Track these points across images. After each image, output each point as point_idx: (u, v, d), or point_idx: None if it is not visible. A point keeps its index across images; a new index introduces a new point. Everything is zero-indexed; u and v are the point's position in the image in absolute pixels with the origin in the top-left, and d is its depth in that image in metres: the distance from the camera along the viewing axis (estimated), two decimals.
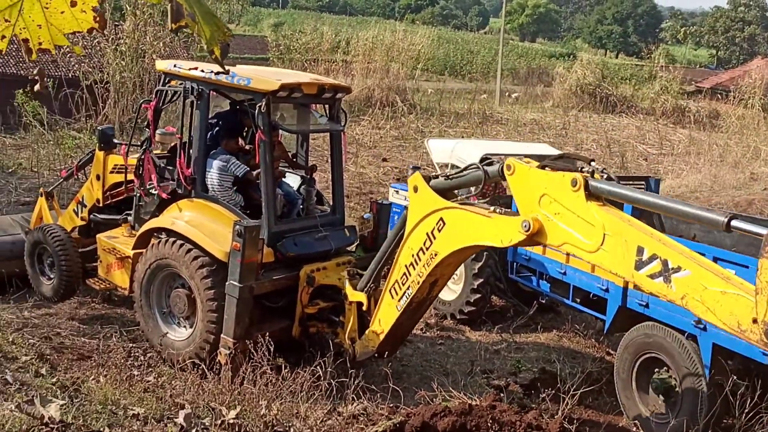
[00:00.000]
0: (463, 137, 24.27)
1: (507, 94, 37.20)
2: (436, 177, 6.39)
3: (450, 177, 6.19)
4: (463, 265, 9.15)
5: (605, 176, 5.02)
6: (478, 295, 9.26)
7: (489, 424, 5.74)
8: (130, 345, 7.55)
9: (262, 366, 6.32)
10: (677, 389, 6.33)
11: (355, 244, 8.24)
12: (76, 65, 19.64)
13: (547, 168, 5.10)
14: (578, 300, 7.65)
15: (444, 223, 5.98)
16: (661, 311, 6.45)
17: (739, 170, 18.87)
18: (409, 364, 8.29)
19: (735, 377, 5.86)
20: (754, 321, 3.88)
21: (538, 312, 9.42)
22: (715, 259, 5.93)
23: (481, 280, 9.22)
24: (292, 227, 7.40)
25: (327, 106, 7.73)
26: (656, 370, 6.60)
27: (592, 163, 5.06)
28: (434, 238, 6.07)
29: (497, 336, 9.16)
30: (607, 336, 8.30)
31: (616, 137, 26.73)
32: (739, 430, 5.80)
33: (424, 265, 6.20)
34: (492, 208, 5.71)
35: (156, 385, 6.48)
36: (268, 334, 6.82)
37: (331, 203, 8.08)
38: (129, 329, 8.00)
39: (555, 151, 10.56)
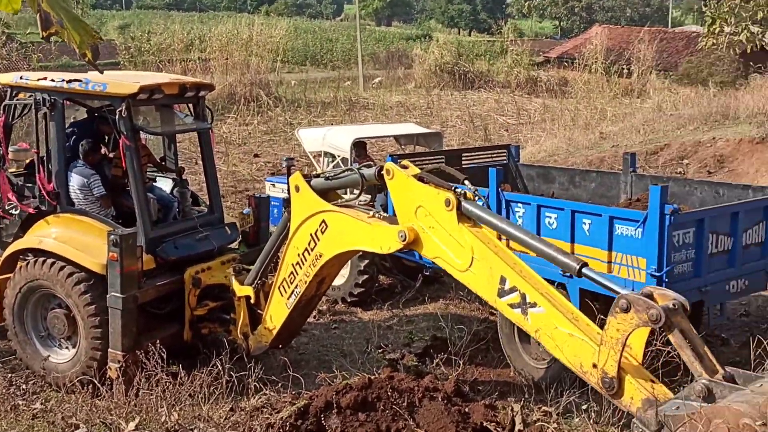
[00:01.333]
0: (332, 125, 24.47)
1: (370, 79, 37.69)
2: (317, 176, 6.51)
3: (329, 178, 6.33)
4: None
5: (477, 197, 5.26)
6: (366, 276, 9.52)
7: (389, 394, 6.00)
8: (10, 375, 7.18)
9: (156, 374, 6.25)
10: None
11: (238, 240, 8.24)
12: None
13: (426, 181, 5.33)
14: None
15: (326, 226, 6.12)
16: (533, 266, 6.90)
17: (590, 131, 20.25)
18: (307, 351, 8.41)
19: (601, 316, 6.43)
20: (594, 366, 4.30)
21: (424, 284, 9.83)
22: (573, 212, 6.49)
23: (366, 261, 9.47)
24: (170, 231, 7.29)
25: (191, 105, 7.64)
26: None
27: (466, 182, 5.30)
28: (318, 239, 6.21)
29: (388, 312, 9.47)
30: None
31: (477, 111, 27.85)
32: None
33: (310, 265, 6.33)
34: (372, 212, 5.94)
35: (45, 411, 6.25)
36: (158, 341, 6.74)
37: (207, 203, 8.03)
38: (4, 360, 7.57)
39: (422, 129, 11.00)
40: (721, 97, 20.52)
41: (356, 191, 6.19)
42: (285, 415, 5.77)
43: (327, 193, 6.36)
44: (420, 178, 5.41)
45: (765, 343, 4.61)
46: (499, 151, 9.65)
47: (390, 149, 13.77)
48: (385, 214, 6.06)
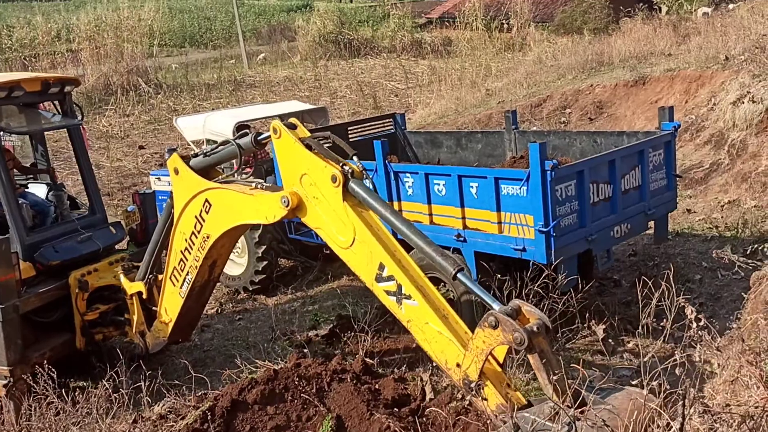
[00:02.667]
0: (218, 108, 23.73)
1: (254, 56, 36.75)
2: (196, 156, 6.25)
3: (207, 154, 6.10)
4: (243, 236, 9.13)
5: (366, 177, 5.10)
6: (265, 262, 9.31)
7: (296, 383, 5.89)
8: None
9: (47, 396, 5.87)
10: (456, 300, 6.93)
11: (126, 240, 7.88)
12: None
13: (313, 149, 5.13)
14: None
15: (210, 205, 5.91)
16: (427, 234, 6.95)
17: (476, 89, 20.55)
18: (211, 348, 8.18)
19: (498, 275, 6.54)
20: (458, 365, 4.50)
21: (326, 263, 9.71)
22: (460, 177, 6.52)
23: (264, 247, 9.26)
24: (48, 236, 6.91)
25: (57, 102, 7.18)
26: (437, 288, 7.14)
27: (354, 158, 5.13)
28: (203, 220, 6.00)
29: (292, 296, 9.33)
30: None
31: (366, 79, 27.73)
32: None
33: (198, 249, 6.12)
34: (254, 184, 5.74)
35: None
36: (49, 353, 6.47)
37: (88, 203, 7.60)
38: None
39: (306, 106, 10.76)
40: (596, 44, 21.25)
41: (235, 164, 6.00)
42: (190, 421, 5.57)
43: (208, 172, 6.15)
44: (308, 145, 5.22)
45: (650, 282, 4.78)
46: (385, 120, 9.58)
47: None
48: (267, 185, 5.88)
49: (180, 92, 26.71)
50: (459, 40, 32.35)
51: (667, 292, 4.38)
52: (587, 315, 6.69)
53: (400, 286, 4.76)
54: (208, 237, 5.99)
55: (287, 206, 5.23)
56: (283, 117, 10.77)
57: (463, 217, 6.58)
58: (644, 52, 18.04)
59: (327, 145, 5.45)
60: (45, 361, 6.02)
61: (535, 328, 4.17)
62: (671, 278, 4.46)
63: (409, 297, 4.73)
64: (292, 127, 5.34)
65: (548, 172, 5.80)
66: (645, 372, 4.07)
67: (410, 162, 9.29)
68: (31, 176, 7.76)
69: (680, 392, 3.78)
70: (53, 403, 5.76)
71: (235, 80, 28.93)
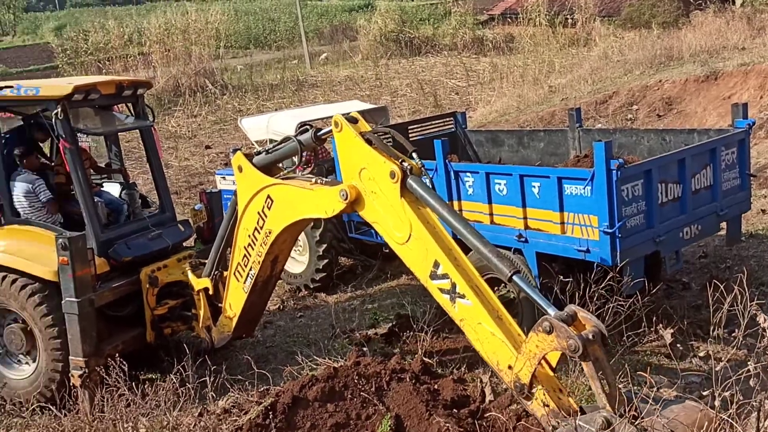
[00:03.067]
0: (281, 108, 24.10)
1: (316, 56, 37.15)
2: (259, 153, 6.38)
3: (269, 151, 6.22)
4: (304, 234, 9.25)
5: (424, 174, 5.08)
6: (326, 261, 9.40)
7: (356, 381, 5.93)
8: None
9: (118, 387, 6.09)
10: (516, 300, 6.84)
11: (193, 237, 8.10)
12: None
13: (373, 144, 5.15)
14: None
15: (272, 201, 6.03)
16: (487, 234, 6.77)
17: (539, 86, 20.24)
18: (274, 344, 8.31)
19: (561, 277, 6.42)
20: (510, 367, 4.47)
21: (385, 262, 9.74)
22: (522, 177, 6.43)
23: (324, 246, 9.35)
24: (121, 233, 7.15)
25: (130, 104, 7.45)
26: (495, 288, 7.07)
27: (414, 155, 5.12)
28: (266, 216, 6.11)
29: (352, 294, 9.39)
30: None
31: (427, 78, 27.67)
32: None
33: (261, 245, 6.23)
34: (314, 179, 5.82)
35: None
36: (121, 345, 6.70)
37: (157, 203, 7.85)
38: None
39: (366, 105, 10.81)
40: (665, 38, 20.63)
41: (296, 160, 6.07)
42: (252, 416, 5.67)
43: (271, 170, 6.26)
44: (368, 140, 5.23)
45: (721, 286, 4.60)
46: (446, 119, 9.53)
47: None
48: (327, 180, 5.96)
49: (245, 93, 27.25)
50: (521, 36, 31.92)
51: (739, 297, 4.22)
52: (654, 318, 6.52)
53: (454, 285, 4.74)
54: (270, 232, 6.09)
55: (345, 200, 5.27)
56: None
57: (525, 218, 6.48)
58: (716, 46, 17.42)
59: (388, 141, 5.47)
60: (117, 354, 6.25)
61: (590, 336, 4.08)
62: (744, 282, 4.29)
63: (462, 296, 4.70)
64: (354, 121, 5.37)
65: (614, 171, 5.66)
66: (716, 380, 3.93)
67: (470, 161, 9.22)
68: (106, 175, 8.05)
69: (754, 404, 3.63)
70: (124, 394, 5.97)
71: (297, 80, 29.32)
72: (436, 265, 4.80)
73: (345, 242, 9.66)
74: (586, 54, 25.65)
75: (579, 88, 17.84)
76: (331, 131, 5.54)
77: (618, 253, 5.83)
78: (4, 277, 6.53)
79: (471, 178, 6.93)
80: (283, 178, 6.16)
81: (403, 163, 5.02)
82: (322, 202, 5.55)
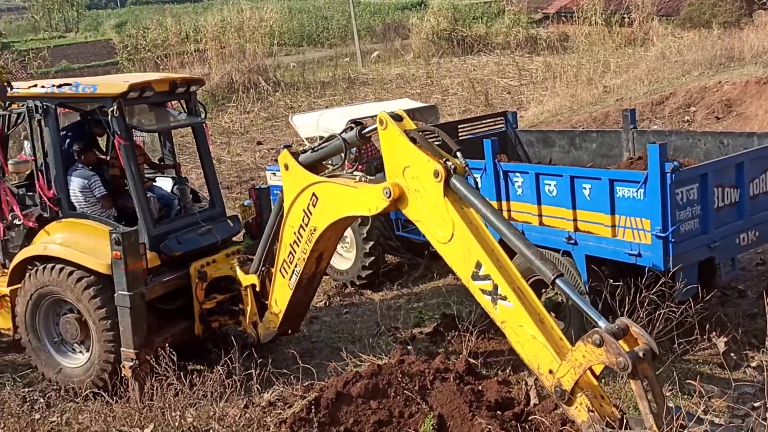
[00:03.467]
0: (332, 106, 24.27)
1: (368, 54, 37.27)
2: (304, 151, 6.44)
3: (315, 149, 6.26)
4: (351, 231, 9.32)
5: (468, 173, 5.06)
6: (372, 258, 9.44)
7: (399, 379, 5.93)
8: (26, 390, 7.21)
9: (167, 377, 6.23)
10: (563, 304, 6.74)
11: (242, 233, 8.22)
12: None
13: (417, 143, 5.14)
14: None
15: (317, 198, 6.08)
16: (536, 236, 6.79)
17: (593, 86, 19.88)
18: (319, 339, 8.39)
19: (611, 281, 6.31)
20: (551, 371, 4.46)
21: (432, 260, 9.71)
22: (573, 178, 6.33)
23: (371, 243, 9.39)
24: (172, 228, 7.31)
25: (183, 101, 7.59)
26: (543, 290, 6.98)
27: (458, 154, 5.11)
28: (311, 213, 6.17)
29: (397, 292, 9.40)
30: None
31: (478, 76, 27.46)
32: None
33: (306, 242, 6.30)
34: (358, 177, 5.85)
35: (61, 424, 6.26)
36: (170, 338, 6.85)
37: (208, 197, 7.99)
38: (22, 374, 7.63)
39: (416, 104, 10.81)
40: (726, 38, 20.01)
41: (341, 158, 6.14)
42: (297, 410, 5.73)
43: (316, 167, 6.31)
44: (413, 138, 5.22)
45: None
46: (496, 118, 9.45)
47: None
48: (372, 177, 5.97)
49: (296, 90, 27.51)
50: (576, 35, 31.38)
51: None
52: (707, 326, 6.35)
53: (496, 286, 4.72)
54: (315, 230, 6.15)
55: (389, 197, 5.28)
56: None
57: (575, 219, 6.39)
58: None
59: (434, 140, 5.44)
60: (166, 345, 6.39)
61: (641, 354, 4.02)
62: None
63: (504, 298, 4.68)
64: (398, 119, 5.36)
65: (668, 174, 5.53)
66: None
67: (520, 161, 9.12)
68: (159, 171, 8.24)
69: None
70: (173, 384, 6.11)
71: (349, 78, 29.46)
72: (478, 265, 4.79)
73: (392, 240, 9.68)
74: (642, 54, 25.07)
75: (634, 89, 17.45)
76: (375, 129, 5.55)
77: (670, 258, 5.70)
78: (61, 269, 6.72)
79: (520, 179, 6.86)
80: (328, 176, 6.22)
81: (447, 162, 5.00)
82: (366, 199, 5.57)
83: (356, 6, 48.91)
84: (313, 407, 5.68)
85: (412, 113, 10.52)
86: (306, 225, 6.19)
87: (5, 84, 1.43)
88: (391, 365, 6.13)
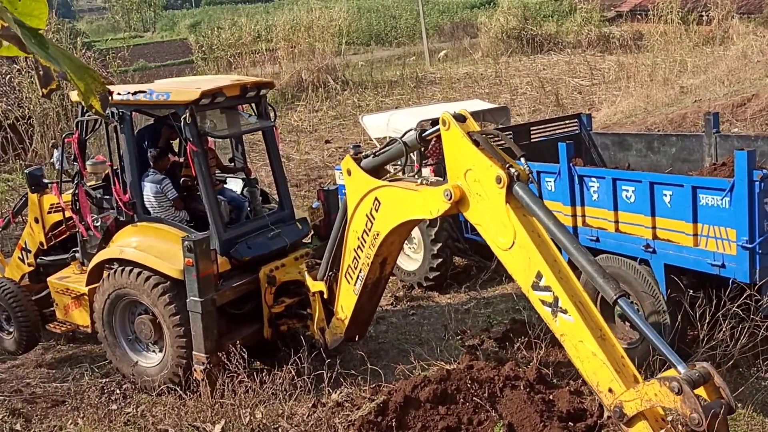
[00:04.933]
0: (400, 105, 24.27)
1: (436, 53, 37.15)
2: (366, 156, 6.42)
3: (377, 154, 6.25)
4: (420, 232, 9.28)
5: (532, 180, 4.96)
6: (440, 260, 9.37)
7: (469, 385, 5.87)
8: (103, 380, 7.48)
9: (238, 375, 6.34)
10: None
11: (310, 234, 8.26)
12: None
13: (480, 146, 5.07)
14: None
15: (379, 203, 6.06)
16: (612, 243, 6.63)
17: (669, 86, 19.23)
18: (386, 340, 8.39)
19: (691, 291, 6.08)
20: (610, 390, 4.33)
21: (500, 264, 9.55)
22: (652, 184, 6.12)
23: (440, 245, 9.32)
24: (242, 231, 7.37)
25: (253, 104, 7.67)
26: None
27: (522, 159, 5.00)
28: (374, 218, 6.15)
29: (465, 296, 9.31)
30: None
31: (548, 76, 26.97)
32: (703, 340, 6.02)
33: (369, 246, 6.28)
34: (420, 180, 5.80)
35: (136, 416, 6.46)
36: (240, 341, 6.87)
37: (277, 200, 8.07)
38: (100, 365, 7.91)
39: (487, 105, 10.67)
40: None
41: (402, 162, 6.08)
42: (365, 412, 5.74)
43: (378, 171, 6.29)
44: (476, 141, 5.12)
45: None
46: (570, 120, 9.25)
47: None
48: (433, 179, 5.90)
49: (364, 89, 27.65)
50: (651, 34, 30.42)
51: None
52: None
53: (556, 299, 4.61)
54: (378, 234, 6.12)
55: (450, 199, 5.21)
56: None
57: (654, 227, 6.18)
58: None
59: (498, 143, 5.31)
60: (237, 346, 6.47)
61: (717, 410, 3.88)
62: None
63: (565, 311, 4.57)
64: (462, 119, 5.26)
65: (756, 182, 5.28)
66: None
67: (595, 165, 8.90)
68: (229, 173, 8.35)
69: None
70: (244, 381, 6.21)
71: (416, 77, 29.42)
72: (539, 276, 4.69)
73: (460, 242, 9.59)
74: (722, 53, 24.09)
75: (714, 90, 16.80)
76: (435, 131, 5.48)
77: (757, 270, 5.43)
78: (139, 273, 6.87)
79: (596, 183, 6.68)
80: (390, 180, 6.19)
81: (510, 168, 4.89)
82: (427, 202, 5.52)
83: (425, 5, 48.73)
84: (381, 410, 5.69)
85: (482, 114, 10.42)
86: (369, 230, 6.17)
87: (107, 92, 1.47)
88: (460, 371, 6.07)
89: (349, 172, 6.31)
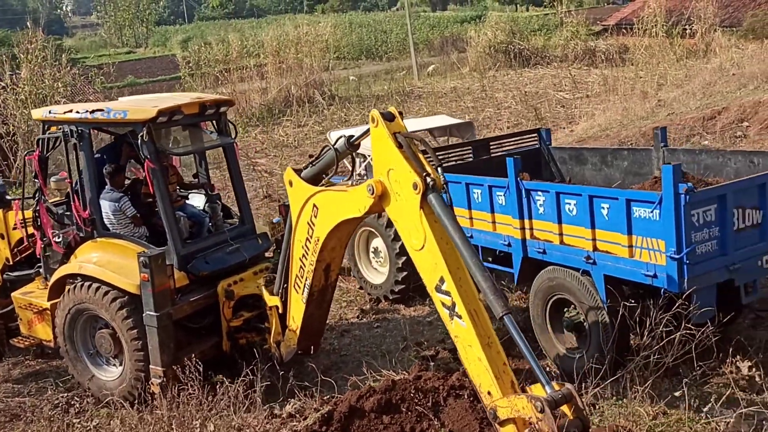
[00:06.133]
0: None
1: (425, 67, 37.46)
2: (306, 167, 6.61)
3: (313, 163, 6.45)
4: (385, 246, 9.43)
5: (445, 190, 5.17)
6: (405, 273, 9.48)
7: (413, 395, 6.01)
8: (66, 395, 7.57)
9: (191, 388, 6.45)
10: (585, 323, 6.69)
11: (272, 249, 8.38)
12: None
13: (403, 150, 5.23)
14: (489, 259, 7.96)
15: (317, 209, 6.26)
16: (557, 255, 6.79)
17: (647, 100, 19.47)
18: (348, 353, 8.52)
19: (631, 301, 6.25)
20: (489, 393, 4.82)
21: None
22: (591, 198, 6.31)
23: (404, 258, 9.44)
24: (201, 247, 7.49)
25: (214, 121, 7.80)
26: (565, 309, 6.96)
27: (439, 170, 5.17)
28: (314, 225, 6.34)
29: (428, 308, 9.44)
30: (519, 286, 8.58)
31: (533, 90, 27.24)
32: (643, 348, 6.18)
33: (312, 253, 6.45)
34: (351, 182, 5.98)
35: (90, 429, 6.56)
36: (199, 354, 6.97)
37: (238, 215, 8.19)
38: (64, 379, 8.00)
39: (452, 120, 10.89)
40: None
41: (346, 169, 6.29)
42: (310, 422, 5.88)
43: (317, 180, 6.46)
44: (400, 144, 5.27)
45: None
46: (530, 135, 9.44)
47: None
48: (363, 180, 6.09)
49: (351, 103, 27.89)
50: (636, 47, 30.75)
51: None
52: (731, 349, 6.22)
53: (454, 304, 4.94)
54: (318, 240, 6.30)
55: (372, 194, 5.40)
56: (432, 131, 11.07)
57: (594, 239, 6.35)
58: None
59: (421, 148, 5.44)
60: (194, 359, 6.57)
61: (573, 429, 4.32)
62: None
63: (460, 317, 4.92)
64: (390, 118, 5.41)
65: (682, 195, 5.45)
66: None
67: (554, 178, 9.09)
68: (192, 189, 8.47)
69: None
70: (194, 395, 6.32)
71: (403, 92, 29.68)
72: (442, 280, 5.00)
73: None
74: (703, 66, 24.37)
75: (687, 103, 17.04)
76: (362, 135, 5.68)
77: (685, 280, 5.59)
78: (97, 288, 7.00)
79: (542, 197, 6.85)
80: (326, 186, 6.37)
81: (428, 177, 5.09)
82: (355, 200, 5.72)
83: (416, 19, 49.19)
84: (326, 421, 5.83)
85: (449, 129, 10.64)
86: (311, 237, 6.35)
87: None
88: (406, 381, 6.20)
89: (291, 183, 6.49)
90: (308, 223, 6.31)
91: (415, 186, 5.06)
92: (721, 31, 28.57)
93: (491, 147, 9.17)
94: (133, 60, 52.79)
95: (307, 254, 6.45)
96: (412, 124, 11.12)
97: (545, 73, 31.16)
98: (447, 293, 4.97)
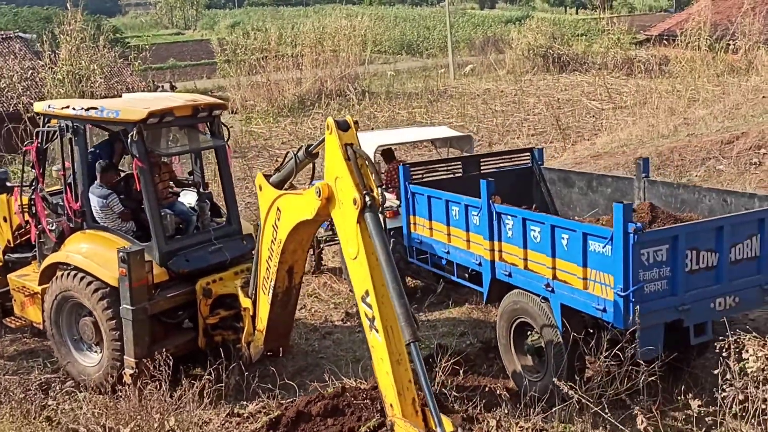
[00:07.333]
0: (413, 117, 24.61)
1: (463, 67, 37.31)
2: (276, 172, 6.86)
3: (279, 169, 6.72)
4: None
5: (381, 208, 5.43)
6: None
7: (362, 401, 6.18)
8: (50, 376, 7.94)
9: (159, 381, 6.71)
10: (544, 349, 6.77)
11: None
12: (16, 99, 19.91)
13: (349, 162, 5.40)
14: (465, 276, 8.08)
15: (280, 212, 6.52)
16: (521, 279, 6.89)
17: (675, 117, 19.17)
18: (325, 355, 8.70)
19: (590, 330, 6.32)
20: (391, 406, 5.30)
21: (454, 286, 9.78)
22: (553, 227, 6.39)
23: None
24: (185, 244, 7.73)
25: (207, 123, 8.03)
26: (528, 333, 7.05)
27: (379, 189, 5.40)
28: (277, 227, 6.60)
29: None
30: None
31: (566, 97, 26.98)
32: (587, 381, 6.26)
33: (276, 255, 6.72)
34: (311, 187, 6.19)
35: (65, 412, 6.88)
36: (174, 348, 7.27)
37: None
38: (53, 360, 8.33)
39: (453, 133, 10.97)
40: None
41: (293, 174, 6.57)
42: (258, 426, 6.12)
43: (283, 185, 6.70)
44: (347, 156, 5.43)
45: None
46: (522, 154, 9.49)
47: (429, 153, 13.34)
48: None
49: (383, 100, 27.96)
50: (677, 59, 30.16)
51: None
52: (683, 386, 6.25)
53: (374, 318, 5.27)
54: (280, 242, 6.56)
55: (319, 196, 5.63)
56: (434, 141, 11.19)
57: (554, 267, 6.43)
58: None
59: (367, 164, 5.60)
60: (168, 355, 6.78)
61: None
62: None
63: (377, 331, 5.26)
64: (345, 128, 5.57)
65: (630, 234, 5.51)
66: None
67: (543, 199, 9.15)
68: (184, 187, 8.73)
69: None
70: (160, 388, 6.57)
71: (437, 91, 29.61)
72: (367, 293, 5.30)
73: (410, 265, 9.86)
74: (741, 84, 23.82)
75: (710, 124, 16.75)
76: (319, 144, 5.94)
77: (630, 317, 5.65)
78: (82, 277, 7.34)
79: (511, 221, 6.95)
80: (288, 190, 6.60)
81: (367, 195, 5.29)
82: (307, 203, 5.95)
83: (461, 17, 48.93)
84: (274, 424, 6.06)
85: (448, 142, 10.74)
86: (275, 239, 6.61)
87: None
88: (356, 388, 6.39)
89: (260, 188, 6.74)
90: (273, 226, 6.59)
91: (354, 201, 5.31)
92: (765, 48, 27.82)
93: (481, 164, 9.25)
94: (180, 42, 53.66)
95: (272, 256, 6.71)
96: (411, 134, 11.30)
97: (582, 80, 30.78)
98: (370, 306, 5.30)
